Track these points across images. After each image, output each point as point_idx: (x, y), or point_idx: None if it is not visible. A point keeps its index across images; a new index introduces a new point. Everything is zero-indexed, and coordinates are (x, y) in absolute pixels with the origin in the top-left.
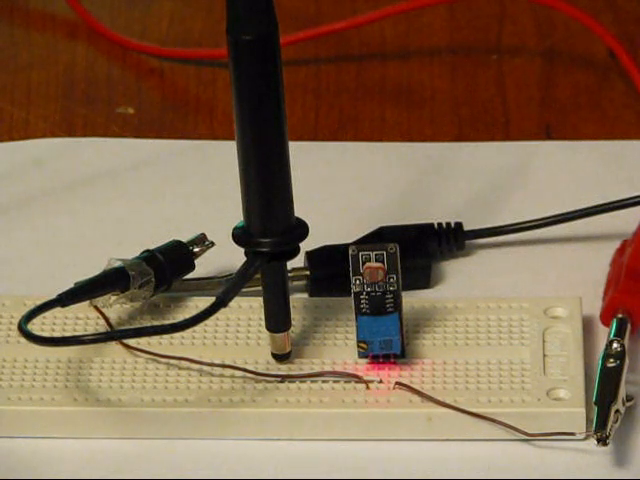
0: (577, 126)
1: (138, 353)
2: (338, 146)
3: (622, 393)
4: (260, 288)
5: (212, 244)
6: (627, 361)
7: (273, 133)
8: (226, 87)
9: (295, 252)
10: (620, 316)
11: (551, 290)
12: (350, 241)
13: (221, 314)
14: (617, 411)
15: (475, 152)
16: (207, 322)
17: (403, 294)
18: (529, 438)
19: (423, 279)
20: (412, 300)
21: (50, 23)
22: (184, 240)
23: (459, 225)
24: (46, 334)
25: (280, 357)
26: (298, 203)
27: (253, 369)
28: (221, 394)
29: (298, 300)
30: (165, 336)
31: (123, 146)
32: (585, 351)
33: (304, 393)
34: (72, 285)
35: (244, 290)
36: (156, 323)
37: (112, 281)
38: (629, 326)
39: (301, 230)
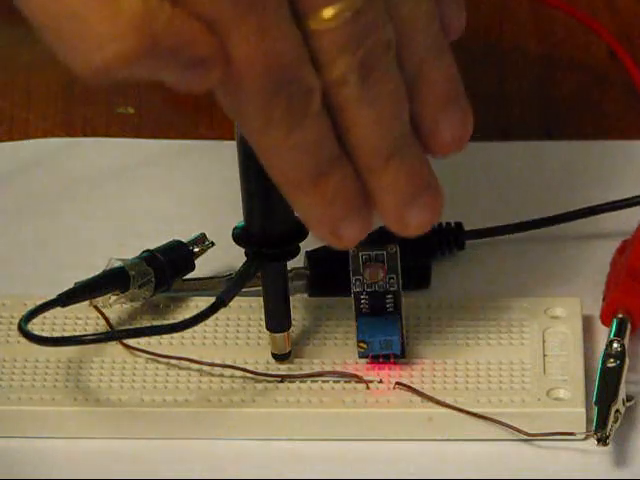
0: (577, 126)
1: (138, 353)
2: None
3: (622, 393)
4: (260, 288)
5: (212, 244)
6: (627, 361)
7: None
8: None
9: (295, 252)
10: (620, 316)
11: (551, 290)
12: None
13: (221, 314)
14: (617, 411)
15: (475, 152)
16: (207, 322)
17: (403, 294)
18: (529, 438)
19: (423, 279)
20: (412, 300)
21: None
22: (184, 240)
23: (459, 225)
24: (46, 334)
25: (280, 357)
26: None
27: (253, 369)
28: (221, 394)
29: (298, 300)
30: (165, 336)
31: (123, 146)
32: (585, 351)
33: (304, 393)
34: (72, 285)
35: (244, 290)
36: (156, 323)
37: (112, 281)
38: (629, 326)
39: (301, 230)
